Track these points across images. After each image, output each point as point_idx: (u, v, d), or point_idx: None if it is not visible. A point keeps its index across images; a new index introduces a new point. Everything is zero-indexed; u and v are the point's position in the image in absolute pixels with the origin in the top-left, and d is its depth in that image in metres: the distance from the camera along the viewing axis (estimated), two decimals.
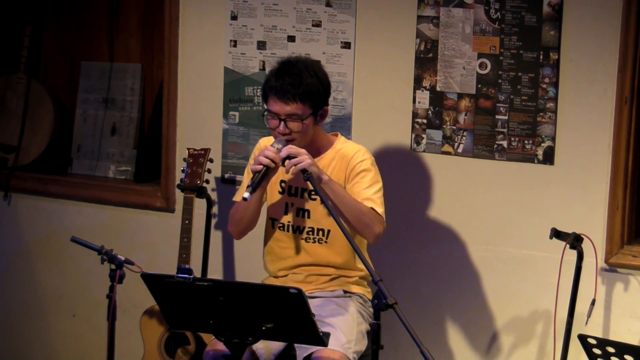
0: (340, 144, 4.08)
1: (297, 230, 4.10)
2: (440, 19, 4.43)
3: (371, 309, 3.78)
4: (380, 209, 3.95)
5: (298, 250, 4.11)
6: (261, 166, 3.87)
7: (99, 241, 4.04)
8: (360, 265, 4.13)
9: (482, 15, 4.36)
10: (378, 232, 3.94)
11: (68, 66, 5.54)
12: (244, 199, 3.84)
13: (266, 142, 4.14)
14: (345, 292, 4.09)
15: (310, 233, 4.09)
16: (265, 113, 3.97)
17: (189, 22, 4.89)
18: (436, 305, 4.57)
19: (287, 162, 3.85)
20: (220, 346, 3.77)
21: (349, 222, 3.89)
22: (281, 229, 4.12)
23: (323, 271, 4.11)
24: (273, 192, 4.11)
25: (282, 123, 3.93)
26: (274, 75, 3.97)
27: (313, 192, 4.05)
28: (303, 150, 3.86)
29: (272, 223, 4.14)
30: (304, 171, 3.80)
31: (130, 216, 5.13)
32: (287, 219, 4.10)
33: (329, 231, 4.07)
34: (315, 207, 4.07)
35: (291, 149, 3.86)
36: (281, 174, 4.05)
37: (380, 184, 3.99)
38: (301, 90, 3.91)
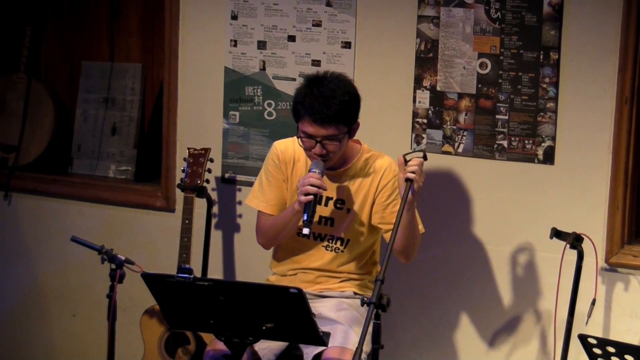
0: (367, 152, 4.09)
1: (319, 237, 4.10)
2: (440, 19, 4.43)
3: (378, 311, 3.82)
4: (422, 227, 4.03)
5: (315, 256, 4.12)
6: (311, 196, 3.86)
7: (99, 241, 4.04)
8: (370, 269, 4.14)
9: (482, 15, 4.36)
10: (416, 256, 4.04)
11: (68, 66, 5.54)
12: (306, 236, 3.89)
13: (281, 147, 4.12)
14: (355, 293, 4.10)
15: (331, 241, 4.09)
16: (301, 135, 3.94)
17: (189, 22, 4.89)
18: (436, 304, 4.57)
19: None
20: (221, 346, 3.77)
21: (406, 244, 3.93)
22: (299, 235, 4.10)
23: (334, 275, 4.12)
24: (295, 198, 4.06)
25: (319, 145, 3.91)
26: (307, 95, 3.91)
27: (339, 202, 4.06)
28: (423, 176, 3.81)
29: None
30: (408, 180, 3.75)
31: (131, 216, 5.13)
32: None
33: (348, 241, 4.09)
34: (339, 216, 4.08)
35: (416, 167, 3.78)
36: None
37: None
38: (336, 112, 3.88)
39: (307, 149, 3.95)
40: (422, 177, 3.79)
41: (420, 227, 4.03)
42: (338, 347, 3.81)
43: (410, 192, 3.74)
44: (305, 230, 3.84)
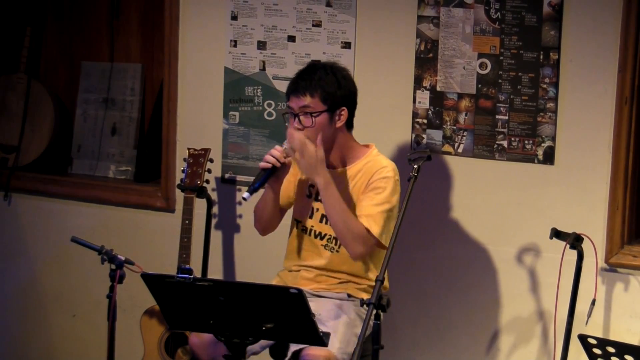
0: (372, 156, 4.09)
1: (319, 236, 4.11)
2: (440, 19, 4.43)
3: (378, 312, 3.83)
4: (375, 229, 3.93)
5: (316, 254, 4.12)
6: (267, 165, 3.93)
7: (99, 241, 4.04)
8: (372, 275, 4.11)
9: (482, 15, 4.36)
10: (359, 252, 3.95)
11: (68, 66, 5.54)
12: (244, 199, 3.92)
13: None
14: (349, 295, 4.09)
15: (329, 240, 4.10)
16: (286, 111, 4.04)
17: (189, 22, 4.89)
18: (437, 305, 4.57)
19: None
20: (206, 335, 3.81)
21: (335, 231, 3.94)
22: (304, 231, 4.13)
23: (334, 275, 4.12)
24: (301, 194, 4.14)
25: (296, 118, 3.98)
26: (295, 75, 4.04)
27: None
28: (307, 147, 3.89)
29: (297, 224, 4.16)
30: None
31: (131, 216, 5.13)
32: (311, 223, 4.12)
33: None
34: None
35: (295, 142, 3.91)
36: (310, 179, 4.09)
37: (390, 205, 3.96)
38: (312, 84, 3.96)
39: (290, 126, 4.02)
40: (299, 150, 3.90)
41: (371, 227, 3.93)
42: (317, 347, 3.80)
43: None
44: (244, 195, 3.94)
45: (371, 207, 3.95)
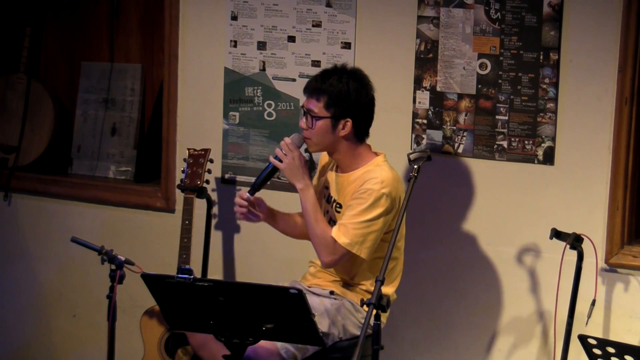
0: (373, 165, 4.04)
1: None
2: (440, 19, 4.43)
3: (362, 318, 3.83)
4: (343, 239, 3.90)
5: None
6: (275, 161, 4.00)
7: (99, 241, 4.04)
8: (361, 279, 4.10)
9: (482, 15, 4.36)
10: (325, 260, 3.96)
11: (68, 66, 5.54)
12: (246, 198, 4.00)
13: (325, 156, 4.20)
14: (331, 293, 4.08)
15: None
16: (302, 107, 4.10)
17: (189, 22, 4.89)
18: (437, 305, 4.57)
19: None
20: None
21: (308, 235, 4.00)
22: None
23: (330, 273, 4.13)
24: (320, 196, 4.16)
25: (305, 116, 4.01)
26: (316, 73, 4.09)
27: (338, 206, 4.08)
28: (294, 152, 3.97)
29: None
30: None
31: (131, 216, 5.13)
32: None
33: None
34: (338, 219, 4.07)
35: (283, 148, 3.98)
36: (325, 181, 4.14)
37: (368, 217, 3.90)
38: (322, 88, 3.96)
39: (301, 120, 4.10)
40: (283, 156, 3.98)
41: (339, 237, 3.92)
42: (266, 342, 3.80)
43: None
44: (246, 195, 4.03)
45: (348, 217, 3.94)
